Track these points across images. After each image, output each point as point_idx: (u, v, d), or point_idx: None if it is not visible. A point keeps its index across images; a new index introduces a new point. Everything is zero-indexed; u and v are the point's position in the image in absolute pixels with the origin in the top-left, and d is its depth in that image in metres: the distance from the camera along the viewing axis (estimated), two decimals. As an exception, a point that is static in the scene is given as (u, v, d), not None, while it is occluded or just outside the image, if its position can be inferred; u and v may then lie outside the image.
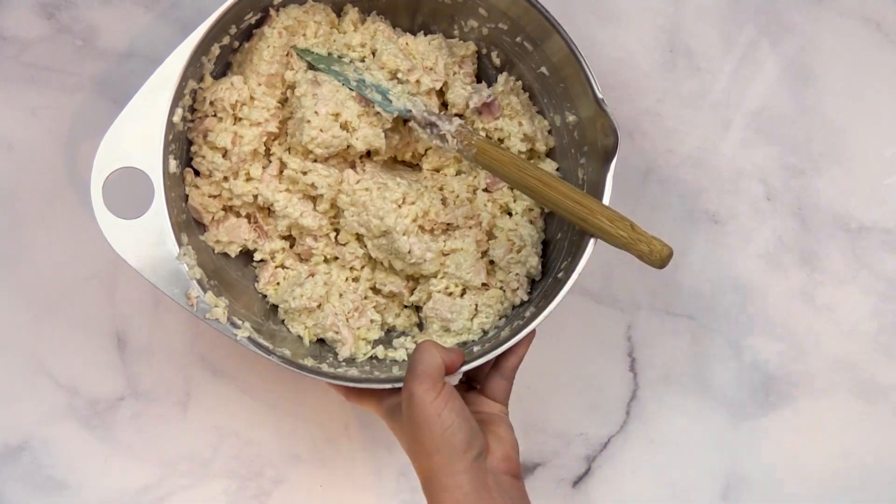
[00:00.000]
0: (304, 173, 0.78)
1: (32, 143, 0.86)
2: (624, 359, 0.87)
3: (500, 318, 0.79)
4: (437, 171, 0.82)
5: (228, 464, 0.85)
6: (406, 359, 0.78)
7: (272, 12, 0.78)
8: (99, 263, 0.86)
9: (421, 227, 0.79)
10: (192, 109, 0.77)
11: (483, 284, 0.79)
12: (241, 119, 0.78)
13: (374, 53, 0.80)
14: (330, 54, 0.80)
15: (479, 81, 0.83)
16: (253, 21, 0.78)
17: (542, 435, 0.86)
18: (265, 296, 0.80)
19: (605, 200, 0.73)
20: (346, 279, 0.80)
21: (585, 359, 0.87)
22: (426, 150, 0.82)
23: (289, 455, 0.86)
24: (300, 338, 0.79)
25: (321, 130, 0.76)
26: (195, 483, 0.85)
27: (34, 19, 0.86)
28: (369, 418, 0.86)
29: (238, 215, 0.80)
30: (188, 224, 0.78)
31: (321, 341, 0.79)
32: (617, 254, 0.71)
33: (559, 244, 0.79)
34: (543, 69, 0.79)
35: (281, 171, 0.79)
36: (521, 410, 0.86)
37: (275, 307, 0.80)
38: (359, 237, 0.80)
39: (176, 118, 0.74)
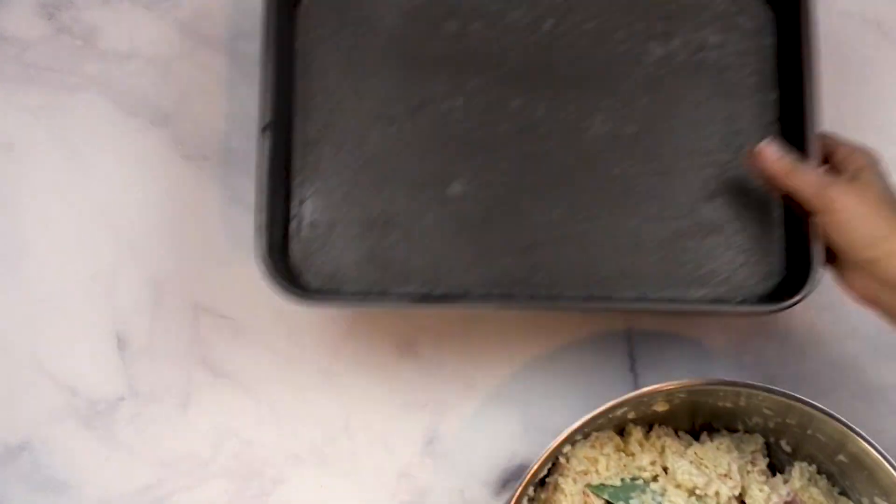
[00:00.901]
0: None
1: (32, 143, 0.86)
2: (624, 359, 0.87)
3: None
4: None
5: (228, 464, 0.85)
6: None
7: (563, 461, 0.76)
8: (99, 263, 0.86)
9: None
10: None
11: None
12: None
13: (665, 469, 0.77)
14: (623, 481, 0.77)
15: (770, 468, 0.79)
16: (545, 473, 0.76)
17: (543, 435, 0.86)
18: None
19: None
20: None
21: (585, 358, 0.87)
22: None
23: (289, 455, 0.86)
24: None
25: None
26: (195, 483, 0.85)
27: (34, 19, 0.86)
28: (369, 418, 0.86)
29: None
30: None
31: None
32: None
33: None
34: (841, 457, 0.75)
35: None
36: (521, 410, 0.86)
37: None
38: None
39: None
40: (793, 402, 0.72)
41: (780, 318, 0.87)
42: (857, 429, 0.70)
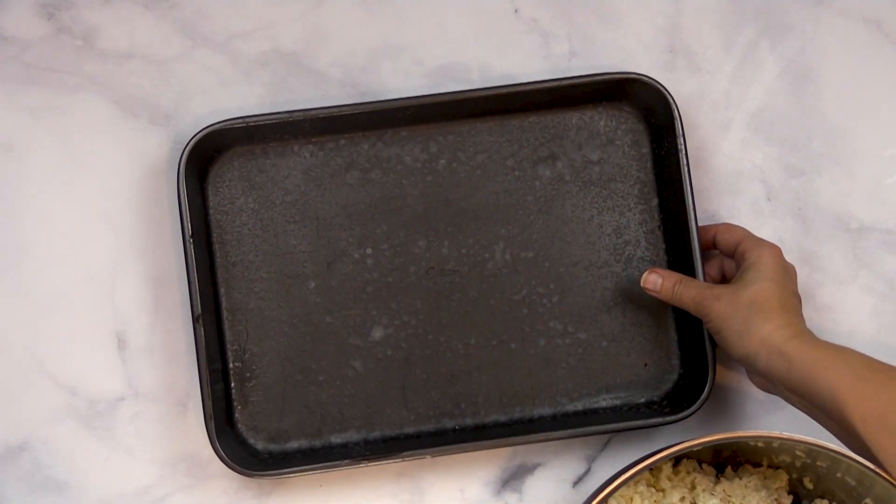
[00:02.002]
0: None
1: (32, 143, 0.86)
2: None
3: None
4: None
5: (228, 464, 0.85)
6: None
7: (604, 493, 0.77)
8: (99, 263, 0.86)
9: None
10: None
11: None
12: None
13: None
14: None
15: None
16: None
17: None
18: None
19: None
20: None
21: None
22: None
23: (289, 455, 0.86)
24: None
25: None
26: (195, 483, 0.85)
27: (34, 19, 0.86)
28: (369, 418, 0.86)
29: None
30: None
31: None
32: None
33: None
34: (868, 500, 0.75)
35: None
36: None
37: None
38: None
39: None
40: (827, 452, 0.73)
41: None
42: (888, 476, 0.71)
